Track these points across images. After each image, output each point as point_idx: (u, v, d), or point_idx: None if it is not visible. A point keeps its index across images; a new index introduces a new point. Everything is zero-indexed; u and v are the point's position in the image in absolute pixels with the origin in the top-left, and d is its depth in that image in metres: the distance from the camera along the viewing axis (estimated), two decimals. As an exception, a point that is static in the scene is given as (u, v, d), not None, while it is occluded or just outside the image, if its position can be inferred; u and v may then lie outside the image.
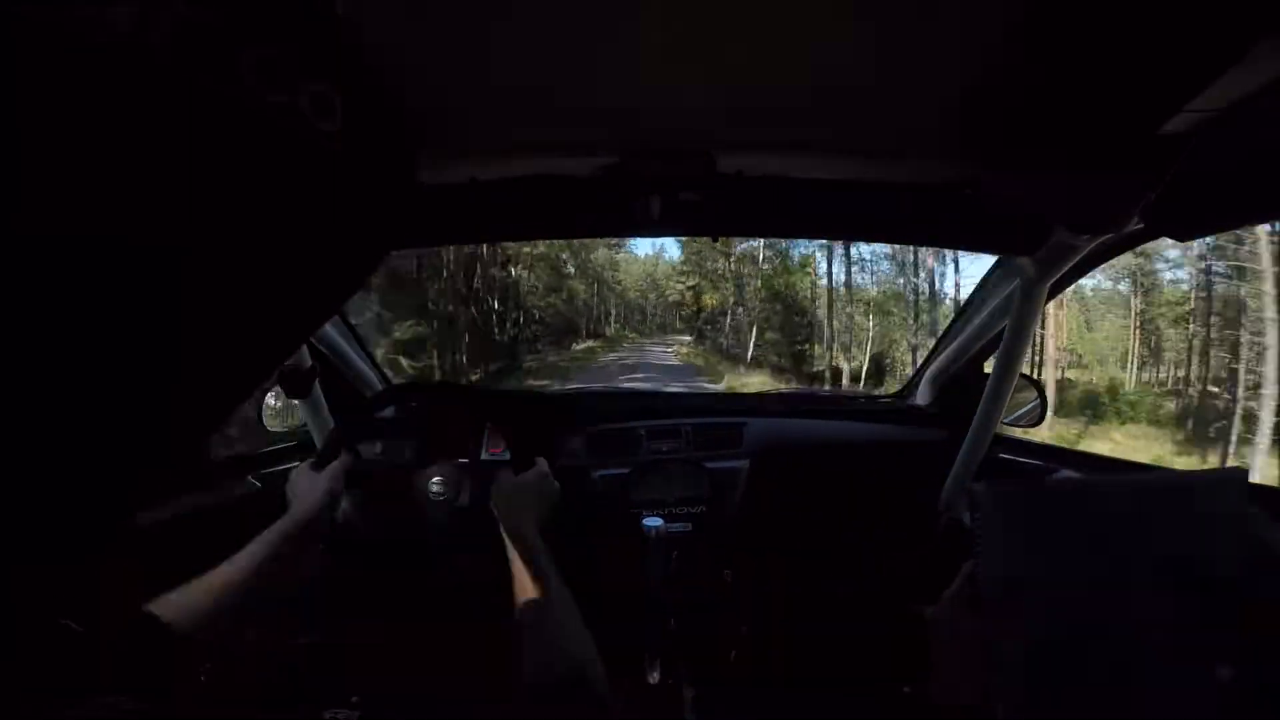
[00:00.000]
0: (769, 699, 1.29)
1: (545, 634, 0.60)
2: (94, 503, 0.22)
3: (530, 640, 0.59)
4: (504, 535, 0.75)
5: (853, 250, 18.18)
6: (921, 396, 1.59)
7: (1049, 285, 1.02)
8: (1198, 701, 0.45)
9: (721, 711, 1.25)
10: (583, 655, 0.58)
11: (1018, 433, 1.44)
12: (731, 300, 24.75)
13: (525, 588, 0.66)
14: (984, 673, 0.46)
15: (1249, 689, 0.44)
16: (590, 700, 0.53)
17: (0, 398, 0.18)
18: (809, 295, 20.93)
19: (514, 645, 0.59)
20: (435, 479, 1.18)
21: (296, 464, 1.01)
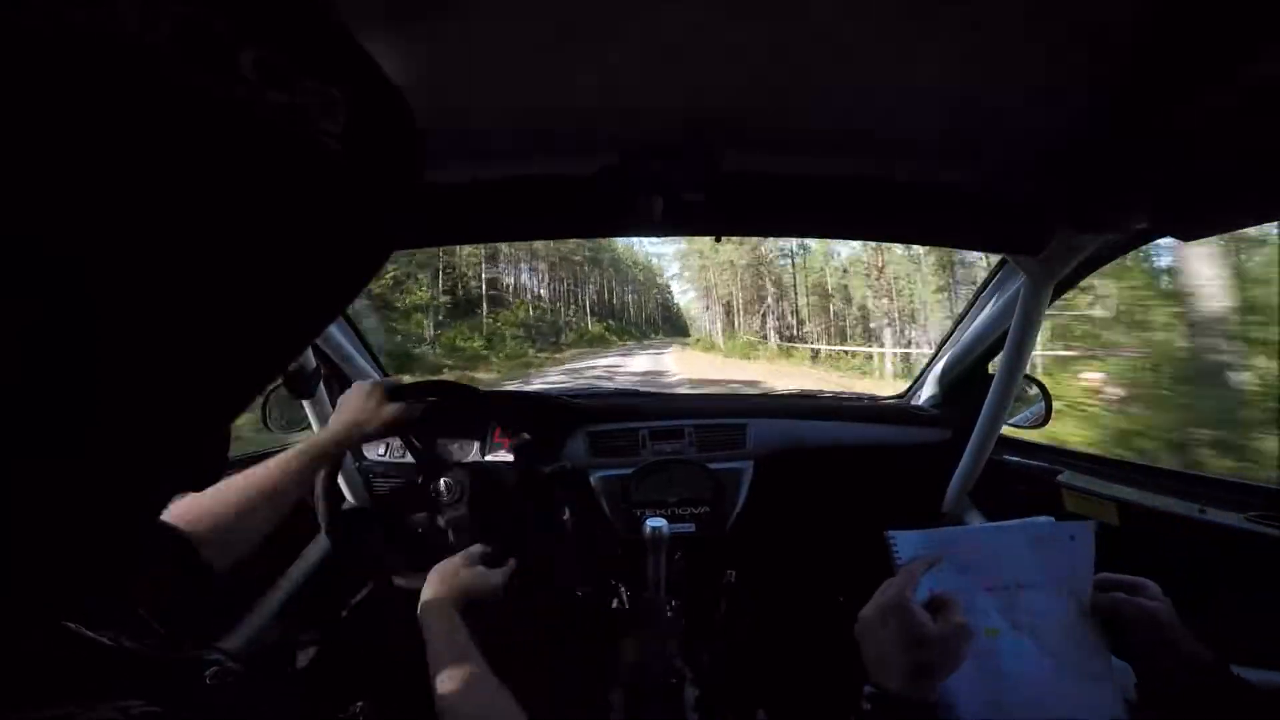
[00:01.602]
0: (771, 700, 1.29)
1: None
2: (100, 506, 0.22)
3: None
4: (419, 616, 0.72)
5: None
6: (925, 397, 1.58)
7: (1054, 285, 1.01)
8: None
9: (723, 712, 1.25)
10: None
11: (1022, 434, 1.43)
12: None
13: (439, 670, 0.63)
14: (920, 664, 0.51)
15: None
16: None
17: (12, 394, 0.18)
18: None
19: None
20: (439, 480, 1.18)
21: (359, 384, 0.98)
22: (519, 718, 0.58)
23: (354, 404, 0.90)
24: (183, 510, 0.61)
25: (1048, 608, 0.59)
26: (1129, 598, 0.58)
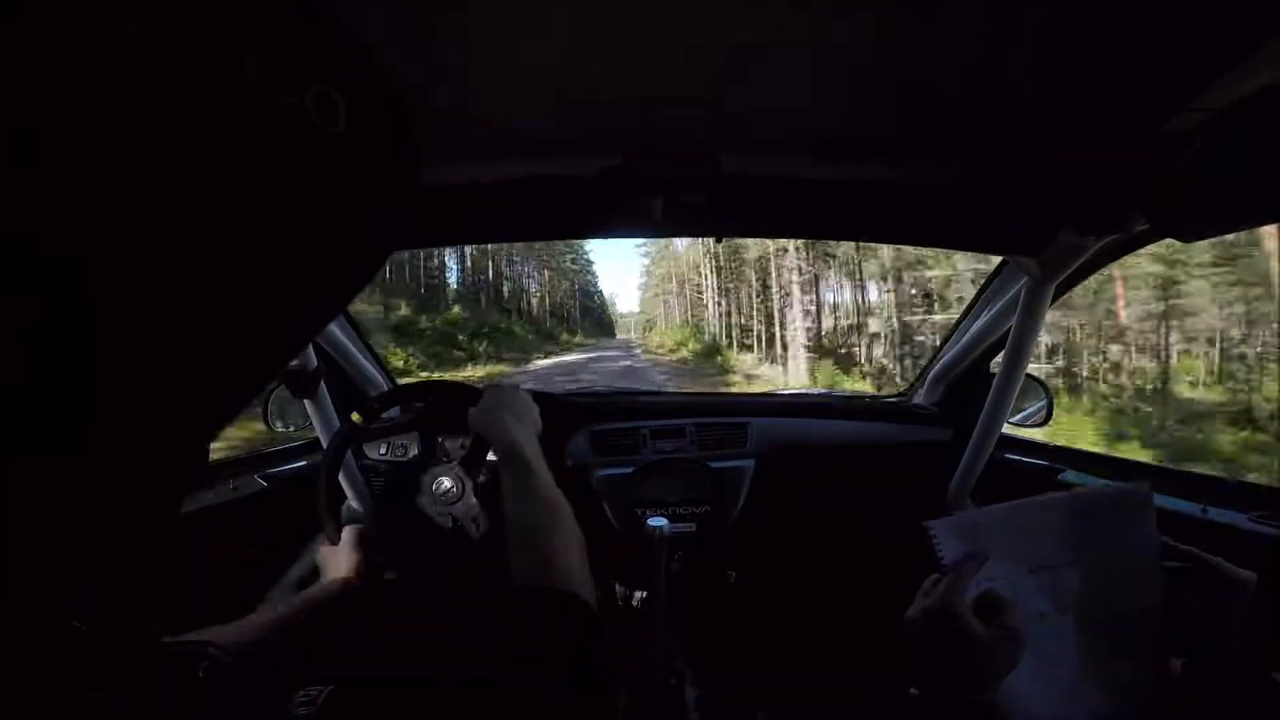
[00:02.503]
0: (772, 700, 1.29)
1: (536, 540, 0.56)
2: (108, 504, 0.22)
3: (518, 546, 0.56)
4: (497, 451, 0.72)
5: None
6: (926, 396, 1.58)
7: (1055, 285, 1.01)
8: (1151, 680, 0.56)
9: (724, 712, 1.25)
10: (574, 567, 0.54)
11: (1023, 433, 1.43)
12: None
13: (518, 498, 0.62)
14: (971, 669, 0.50)
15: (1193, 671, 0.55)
16: (578, 610, 0.49)
17: (12, 394, 0.18)
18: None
19: (502, 555, 0.55)
20: (441, 479, 1.19)
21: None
22: (581, 549, 0.57)
23: (324, 564, 1.04)
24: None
25: (1090, 584, 0.56)
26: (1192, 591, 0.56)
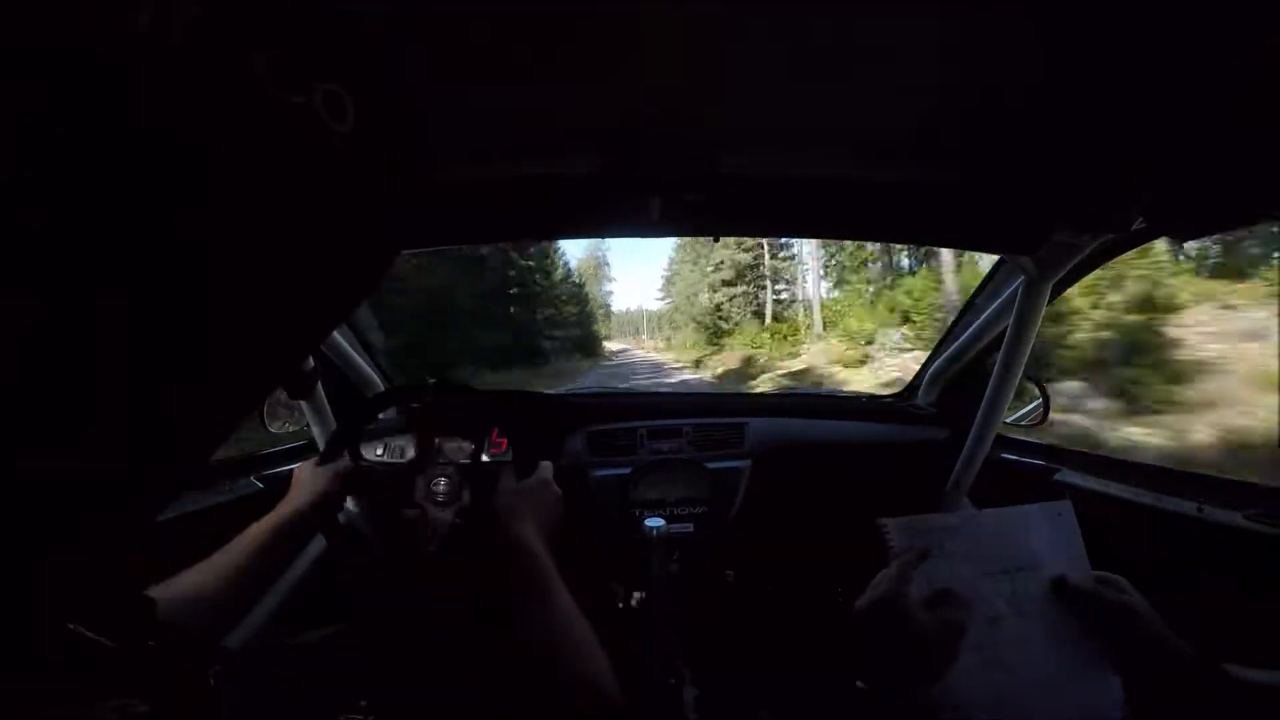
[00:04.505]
0: (770, 699, 1.29)
1: (548, 644, 0.57)
2: (108, 505, 0.22)
3: (532, 650, 0.57)
4: (505, 543, 0.73)
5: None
6: (923, 396, 1.59)
7: (1051, 285, 1.02)
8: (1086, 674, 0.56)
9: (722, 712, 1.25)
10: (591, 666, 0.55)
11: (1020, 432, 1.44)
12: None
13: (527, 597, 0.63)
14: (911, 659, 0.50)
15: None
16: (601, 710, 0.50)
17: (13, 394, 0.18)
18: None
19: (516, 656, 0.57)
20: (437, 480, 1.18)
21: (300, 463, 1.02)
22: (596, 649, 0.58)
23: (298, 483, 0.97)
24: (185, 596, 0.64)
25: (1048, 591, 0.58)
26: (1108, 590, 0.57)
